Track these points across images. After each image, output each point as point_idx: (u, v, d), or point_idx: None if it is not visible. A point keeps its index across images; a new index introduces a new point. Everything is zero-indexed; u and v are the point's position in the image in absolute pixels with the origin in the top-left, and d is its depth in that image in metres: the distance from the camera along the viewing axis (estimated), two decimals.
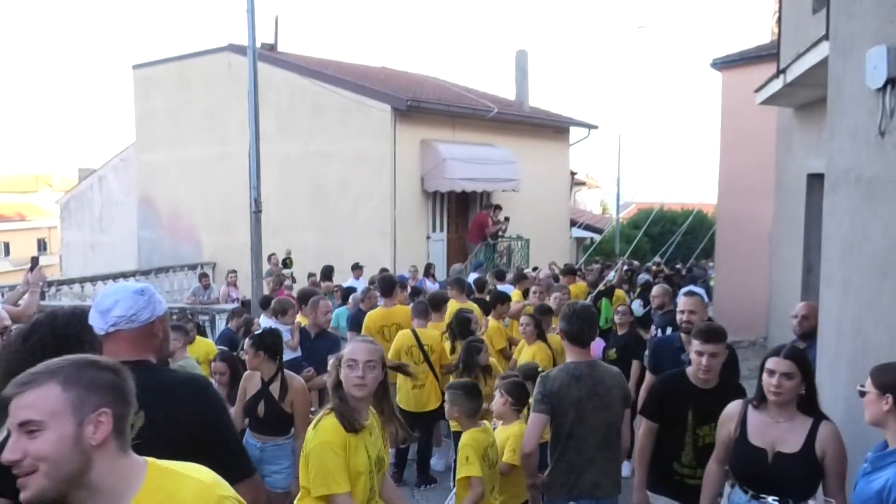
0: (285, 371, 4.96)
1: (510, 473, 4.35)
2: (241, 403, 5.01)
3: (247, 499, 2.04)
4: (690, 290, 4.99)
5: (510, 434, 4.44)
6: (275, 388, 4.83)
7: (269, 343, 4.90)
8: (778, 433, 3.19)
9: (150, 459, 1.77)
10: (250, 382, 5.00)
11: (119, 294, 2.51)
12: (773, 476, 3.18)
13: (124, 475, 1.68)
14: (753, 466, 3.23)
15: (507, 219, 17.58)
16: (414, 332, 6.60)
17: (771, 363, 3.21)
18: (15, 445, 1.57)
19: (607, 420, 3.87)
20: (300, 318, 7.29)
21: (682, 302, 4.80)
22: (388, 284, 7.65)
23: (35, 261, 4.91)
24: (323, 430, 3.07)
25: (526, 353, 6.29)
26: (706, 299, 5.28)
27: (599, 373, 3.94)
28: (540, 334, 6.37)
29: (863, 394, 2.89)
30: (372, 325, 7.19)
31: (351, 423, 3.07)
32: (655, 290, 7.97)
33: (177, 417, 2.34)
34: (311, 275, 12.47)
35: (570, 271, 11.40)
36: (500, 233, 17.45)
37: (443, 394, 6.56)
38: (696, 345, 3.81)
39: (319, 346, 6.63)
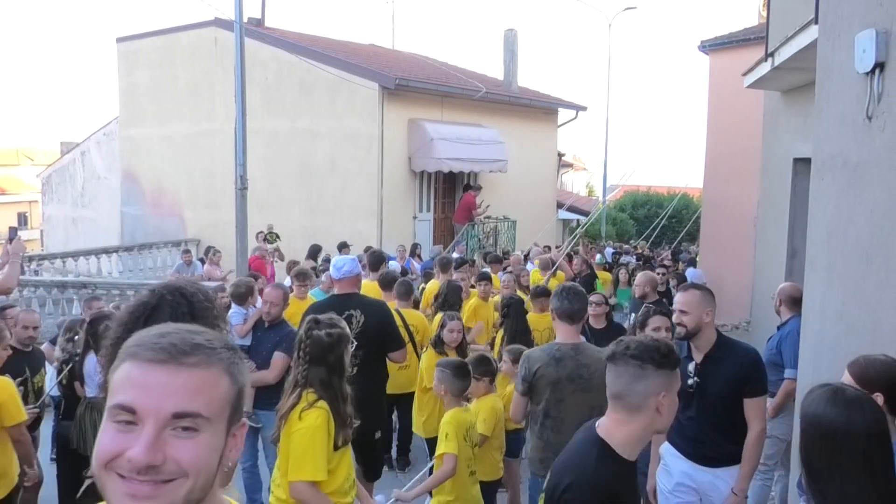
0: None
1: (483, 445, 4.41)
2: None
3: (398, 358, 5.31)
4: (689, 284, 4.20)
5: (481, 407, 4.52)
6: None
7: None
8: None
9: None
10: None
11: (346, 260, 5.32)
12: None
13: None
14: None
15: (483, 201, 17.47)
16: (399, 312, 6.52)
17: None
18: None
19: (589, 403, 3.79)
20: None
21: (675, 298, 3.94)
22: (375, 259, 8.12)
23: (13, 231, 4.84)
24: None
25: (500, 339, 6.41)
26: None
27: (584, 356, 3.95)
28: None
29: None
30: None
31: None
32: (639, 278, 7.60)
33: (376, 317, 5.12)
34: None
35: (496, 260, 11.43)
36: (478, 216, 17.38)
37: None
38: None
39: (268, 337, 5.65)
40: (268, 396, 5.04)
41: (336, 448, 3.16)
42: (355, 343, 3.42)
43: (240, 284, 6.95)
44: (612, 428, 2.32)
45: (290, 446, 3.10)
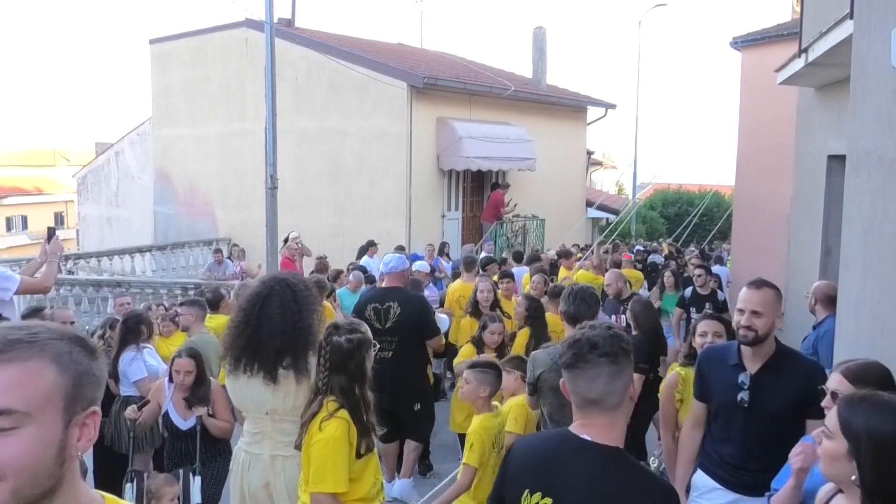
0: None
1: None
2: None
3: (433, 345, 6.12)
4: (760, 280, 3.36)
5: (512, 405, 4.44)
6: None
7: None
8: None
9: None
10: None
11: (393, 257, 6.09)
12: None
13: None
14: None
15: (511, 200, 17.49)
16: None
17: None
18: None
19: None
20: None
21: (743, 296, 3.27)
22: (469, 263, 8.67)
23: (52, 231, 4.89)
24: None
25: (521, 337, 6.26)
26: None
27: None
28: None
29: (825, 394, 2.51)
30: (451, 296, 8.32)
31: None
32: (608, 276, 7.54)
33: (414, 308, 5.78)
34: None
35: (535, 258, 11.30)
36: (507, 215, 17.38)
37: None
38: None
39: None
40: None
41: (359, 456, 3.12)
42: (378, 345, 3.41)
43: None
44: (609, 433, 2.06)
45: (310, 457, 3.08)
